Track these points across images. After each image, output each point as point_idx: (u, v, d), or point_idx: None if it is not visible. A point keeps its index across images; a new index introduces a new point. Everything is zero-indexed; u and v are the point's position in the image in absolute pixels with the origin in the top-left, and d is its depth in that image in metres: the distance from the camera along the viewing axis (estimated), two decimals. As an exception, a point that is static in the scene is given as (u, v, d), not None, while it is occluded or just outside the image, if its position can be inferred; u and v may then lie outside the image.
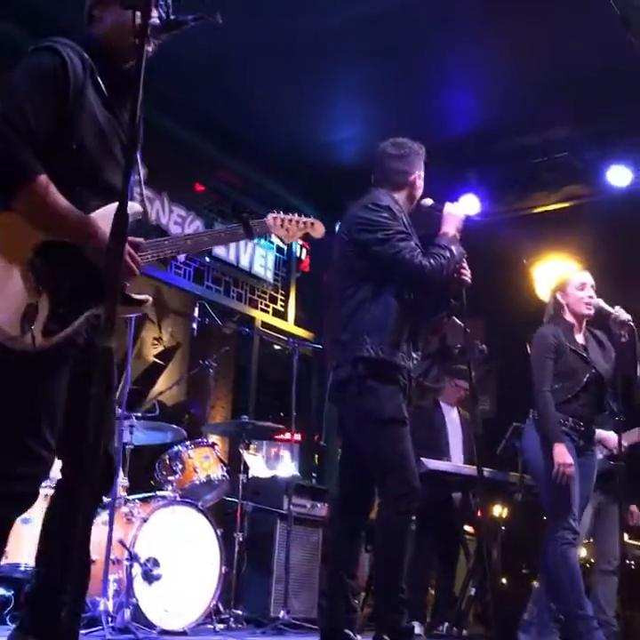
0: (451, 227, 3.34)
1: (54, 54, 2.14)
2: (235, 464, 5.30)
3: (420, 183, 3.50)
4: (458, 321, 3.87)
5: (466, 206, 6.89)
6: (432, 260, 3.16)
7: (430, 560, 5.72)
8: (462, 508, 5.68)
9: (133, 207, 2.21)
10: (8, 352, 2.02)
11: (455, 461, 5.65)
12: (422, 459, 5.03)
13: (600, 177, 6.62)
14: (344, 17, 5.29)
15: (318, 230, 2.83)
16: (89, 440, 1.57)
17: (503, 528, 5.77)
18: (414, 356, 3.30)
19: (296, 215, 2.78)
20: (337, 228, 3.50)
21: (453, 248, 3.26)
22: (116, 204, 1.61)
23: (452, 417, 5.92)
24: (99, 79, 2.20)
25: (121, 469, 4.23)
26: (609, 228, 6.99)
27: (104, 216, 2.08)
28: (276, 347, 7.94)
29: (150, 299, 2.27)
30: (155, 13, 2.10)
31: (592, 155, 6.61)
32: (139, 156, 2.19)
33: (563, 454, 4.01)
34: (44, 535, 2.34)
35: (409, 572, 5.74)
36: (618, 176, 6.53)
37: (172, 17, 2.15)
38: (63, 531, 2.25)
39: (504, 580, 6.15)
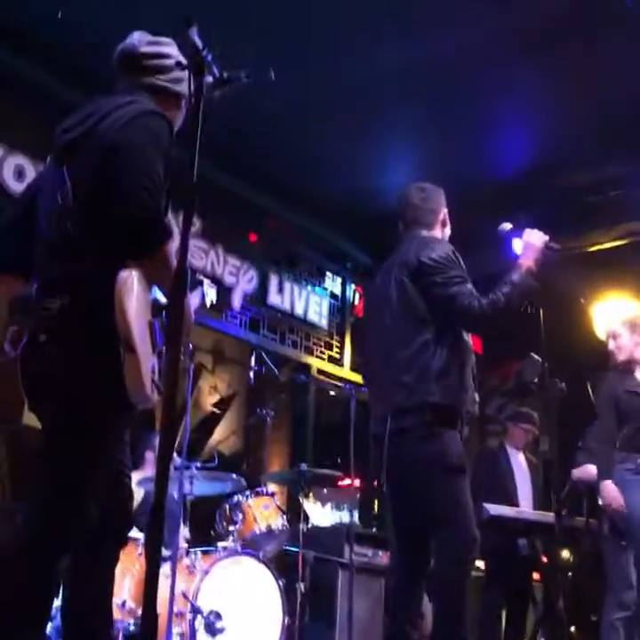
0: (527, 257, 3.21)
1: (166, 123, 2.25)
2: (294, 512, 5.27)
3: (447, 220, 3.47)
4: (536, 357, 3.81)
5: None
6: (483, 301, 3.06)
7: (498, 610, 5.58)
8: (528, 556, 5.55)
9: None
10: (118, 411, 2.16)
11: (523, 507, 5.53)
12: (485, 504, 4.95)
13: (657, 213, 6.54)
14: (395, 62, 5.34)
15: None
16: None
17: (570, 575, 5.61)
18: (477, 399, 3.25)
19: None
20: (388, 266, 3.38)
21: (517, 280, 3.12)
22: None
23: (519, 461, 5.81)
24: None
25: (181, 521, 4.23)
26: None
27: None
28: (332, 393, 7.92)
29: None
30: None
31: (648, 191, 6.54)
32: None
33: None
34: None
35: (478, 622, 5.67)
36: (675, 211, 6.43)
37: (225, 74, 2.19)
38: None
39: (573, 629, 5.96)
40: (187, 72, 2.49)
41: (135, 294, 2.05)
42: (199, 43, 1.92)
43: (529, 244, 3.26)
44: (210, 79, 2.17)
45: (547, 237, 3.28)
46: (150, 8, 4.45)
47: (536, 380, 4.07)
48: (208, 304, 2.84)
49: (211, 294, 2.83)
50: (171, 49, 2.50)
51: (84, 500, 2.16)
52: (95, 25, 4.77)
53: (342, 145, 6.23)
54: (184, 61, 2.47)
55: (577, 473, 5.03)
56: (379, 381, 3.26)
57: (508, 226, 3.44)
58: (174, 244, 2.07)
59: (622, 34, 4.99)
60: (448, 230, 3.49)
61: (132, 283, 2.05)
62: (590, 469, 4.74)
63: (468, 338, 3.28)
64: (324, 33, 5.14)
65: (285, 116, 5.84)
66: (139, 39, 2.48)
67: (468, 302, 3.06)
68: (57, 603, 3.62)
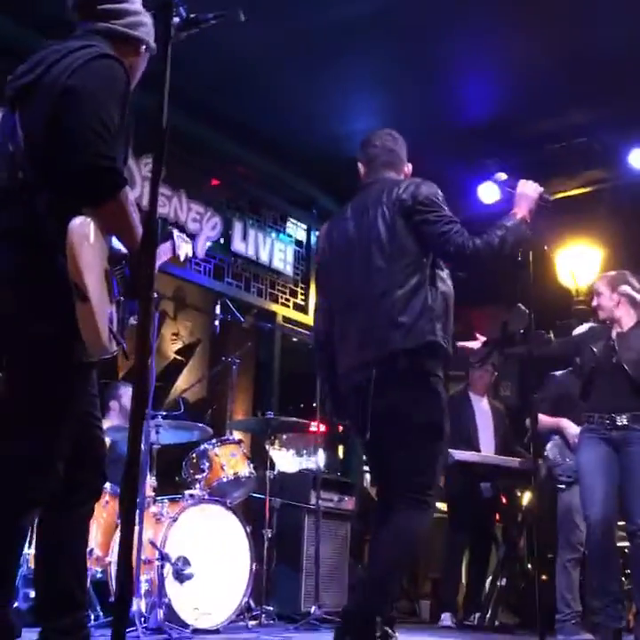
0: (523, 207, 3.16)
1: (122, 68, 2.19)
2: (259, 459, 5.30)
3: (409, 173, 3.39)
4: (523, 307, 3.80)
5: (482, 195, 6.85)
6: (477, 241, 3.00)
7: (463, 551, 5.72)
8: (491, 498, 5.67)
9: None
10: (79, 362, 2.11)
11: (485, 451, 5.64)
12: (450, 450, 5.03)
13: (622, 161, 6.55)
14: (356, 8, 5.24)
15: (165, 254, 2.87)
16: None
17: (529, 516, 5.75)
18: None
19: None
20: (362, 207, 3.23)
21: (512, 227, 3.07)
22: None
23: (482, 406, 5.90)
24: None
25: (148, 469, 4.22)
26: (631, 213, 6.91)
27: None
28: (294, 339, 7.92)
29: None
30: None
31: (613, 138, 6.53)
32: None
33: None
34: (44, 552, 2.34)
35: (443, 563, 5.80)
36: (640, 159, 6.45)
37: (192, 15, 2.11)
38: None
39: (529, 566, 6.13)
40: (148, 17, 2.43)
41: (89, 242, 1.99)
42: (167, -19, 1.84)
43: (523, 194, 3.21)
44: (177, 20, 2.09)
45: (541, 189, 3.25)
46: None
47: (522, 331, 4.08)
48: (182, 257, 2.79)
49: (185, 248, 2.76)
50: None
51: (51, 456, 2.13)
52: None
53: (307, 91, 6.13)
54: (140, 7, 2.42)
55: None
56: (362, 325, 3.09)
57: (503, 175, 3.41)
58: (134, 193, 2.02)
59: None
60: None
61: (85, 230, 1.99)
62: (544, 420, 4.85)
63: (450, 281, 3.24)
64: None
65: (249, 60, 5.71)
66: None
67: (461, 240, 2.99)
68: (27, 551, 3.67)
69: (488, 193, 6.80)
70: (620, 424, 4.16)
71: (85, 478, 2.29)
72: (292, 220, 7.71)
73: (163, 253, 2.76)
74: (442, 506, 6.27)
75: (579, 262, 7.51)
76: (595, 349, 4.30)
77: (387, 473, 3.11)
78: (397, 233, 3.09)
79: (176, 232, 2.93)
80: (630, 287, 4.35)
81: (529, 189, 3.22)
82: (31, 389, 2.11)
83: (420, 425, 2.96)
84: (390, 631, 2.87)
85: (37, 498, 2.14)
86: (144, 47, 2.43)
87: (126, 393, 5.25)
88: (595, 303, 4.46)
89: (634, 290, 4.34)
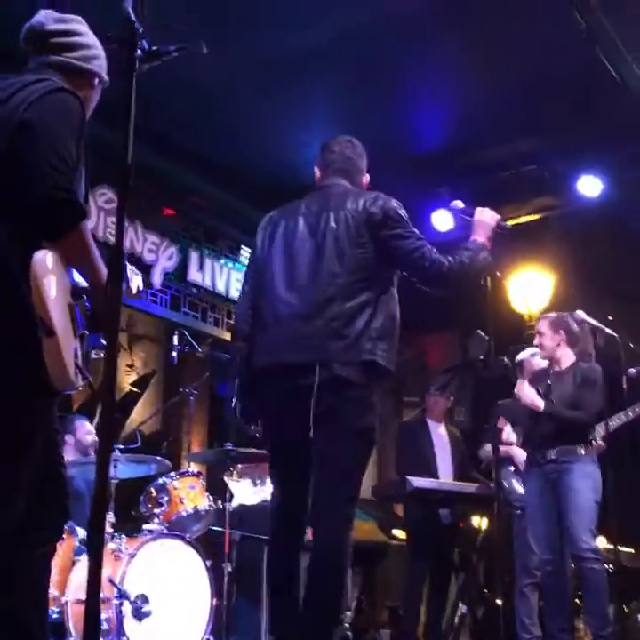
0: (479, 234, 3.17)
1: (77, 101, 2.18)
2: (218, 491, 5.23)
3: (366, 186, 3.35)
4: (482, 333, 3.83)
5: (436, 222, 6.93)
6: (450, 259, 3.00)
7: (422, 579, 5.70)
8: (450, 525, 5.68)
9: None
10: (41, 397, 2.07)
11: (443, 477, 5.65)
12: (408, 477, 5.03)
13: (570, 188, 6.69)
14: (311, 38, 5.29)
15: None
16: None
17: (486, 541, 5.78)
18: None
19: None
20: (314, 211, 3.14)
21: (478, 252, 3.08)
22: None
23: (439, 432, 5.91)
24: None
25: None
26: (579, 239, 7.06)
27: None
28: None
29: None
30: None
31: (561, 166, 6.67)
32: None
33: None
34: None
35: (404, 592, 5.77)
36: (588, 186, 6.60)
37: (154, 47, 2.10)
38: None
39: (486, 591, 6.16)
40: (101, 50, 2.43)
41: (53, 276, 1.98)
42: (132, 15, 1.83)
43: (481, 221, 3.22)
44: (139, 52, 2.09)
45: (498, 217, 3.28)
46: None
47: (482, 357, 4.12)
48: (134, 290, 2.73)
49: (136, 280, 2.71)
50: (79, 26, 2.43)
51: (12, 494, 2.07)
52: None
53: (262, 119, 6.15)
54: (93, 40, 2.40)
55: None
56: (299, 326, 2.97)
57: (459, 203, 3.41)
58: (89, 224, 2.01)
59: (535, 9, 5.03)
60: None
61: (48, 264, 1.98)
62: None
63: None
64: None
65: (205, 89, 5.72)
66: (45, 16, 2.40)
67: (436, 257, 2.98)
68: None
69: (442, 220, 6.88)
70: (549, 458, 4.46)
71: (48, 515, 2.23)
72: (247, 249, 7.70)
73: None
74: (400, 534, 6.27)
75: (530, 288, 7.64)
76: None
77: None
78: (358, 244, 3.01)
79: (128, 265, 2.88)
80: (570, 329, 4.57)
81: (486, 217, 3.23)
82: None
83: (352, 430, 2.91)
84: None
85: None
86: (97, 80, 2.44)
87: (82, 426, 5.16)
88: (536, 342, 4.64)
89: (572, 331, 4.55)
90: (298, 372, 2.93)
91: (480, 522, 5.95)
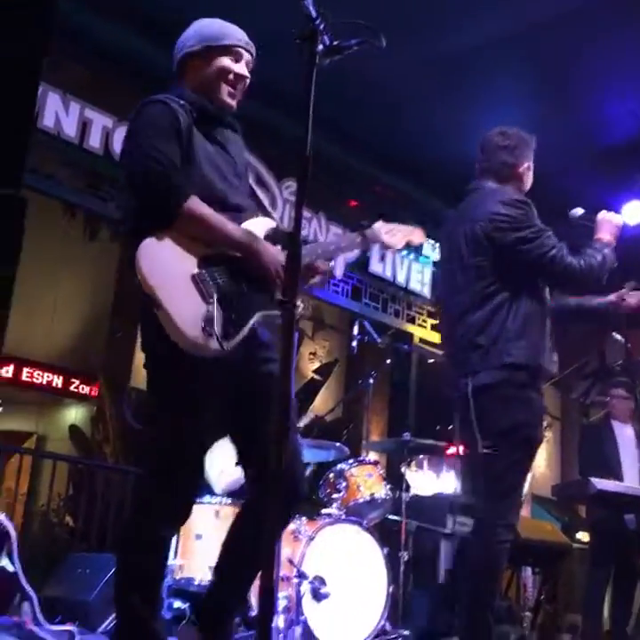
0: (605, 233, 3.13)
1: (164, 105, 2.36)
2: (395, 481, 5.27)
3: (530, 175, 3.25)
4: (618, 336, 3.65)
5: (627, 215, 6.59)
6: (582, 261, 2.98)
7: (605, 587, 5.47)
8: (636, 531, 5.41)
9: (266, 222, 2.40)
10: (181, 360, 2.18)
11: (629, 481, 5.39)
12: (591, 479, 4.84)
13: None
14: (494, 30, 5.22)
15: (418, 237, 2.80)
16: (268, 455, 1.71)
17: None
18: (555, 360, 3.16)
19: (400, 225, 2.77)
20: (457, 218, 3.22)
21: (607, 251, 3.06)
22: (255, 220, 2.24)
23: (625, 434, 5.65)
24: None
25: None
26: None
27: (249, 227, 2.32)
28: (431, 361, 7.87)
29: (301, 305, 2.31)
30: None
31: None
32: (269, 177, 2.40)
33: None
34: (224, 551, 2.40)
35: (583, 600, 5.56)
36: None
37: (335, 42, 2.15)
38: (244, 549, 2.31)
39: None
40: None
41: (156, 256, 2.17)
42: (313, 11, 1.89)
43: (606, 222, 3.17)
44: (321, 48, 2.15)
45: (622, 219, 3.18)
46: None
47: (620, 361, 3.92)
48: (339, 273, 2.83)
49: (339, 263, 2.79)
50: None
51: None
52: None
53: (444, 112, 6.14)
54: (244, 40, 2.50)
55: None
56: (453, 342, 3.11)
57: (579, 211, 3.30)
58: (276, 214, 2.11)
59: None
60: (525, 187, 3.26)
61: (151, 247, 2.17)
62: None
63: (547, 295, 3.15)
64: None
65: (387, 83, 5.77)
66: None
67: (569, 260, 2.97)
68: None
69: (634, 212, 6.53)
70: None
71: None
72: (429, 240, 7.68)
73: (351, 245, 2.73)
74: (585, 537, 6.04)
75: None
76: None
77: None
78: (481, 251, 3.03)
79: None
80: None
81: (612, 218, 3.19)
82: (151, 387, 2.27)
83: (508, 431, 2.93)
84: None
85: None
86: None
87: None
88: None
89: None
90: (453, 385, 3.07)
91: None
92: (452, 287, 3.12)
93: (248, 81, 2.53)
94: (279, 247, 2.36)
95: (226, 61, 2.45)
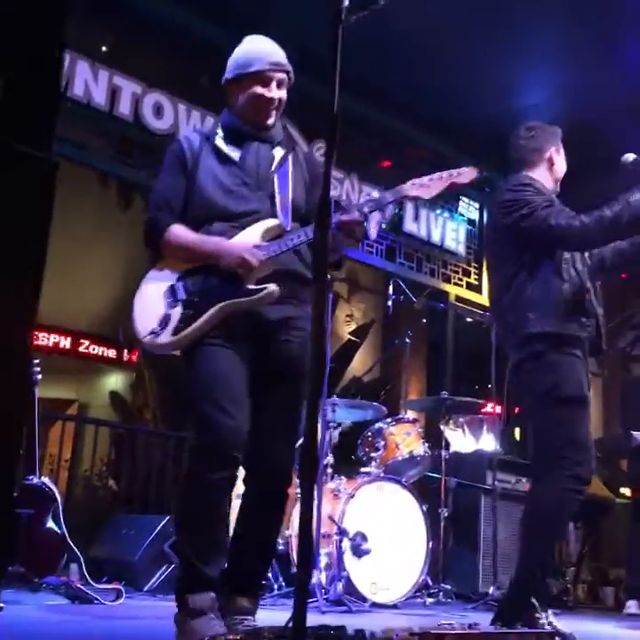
0: None
1: (175, 142, 2.71)
2: (433, 439, 5.30)
3: (559, 159, 3.30)
4: None
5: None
6: (585, 218, 2.95)
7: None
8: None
9: (266, 223, 2.52)
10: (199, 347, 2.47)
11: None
12: (633, 432, 4.83)
13: None
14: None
15: (467, 176, 2.63)
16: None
17: None
18: (588, 323, 3.12)
19: (437, 173, 2.64)
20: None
21: (632, 200, 2.93)
22: (249, 229, 2.48)
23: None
24: (217, 143, 2.64)
25: (327, 447, 4.33)
26: None
27: (243, 237, 2.52)
28: (469, 319, 7.83)
29: (273, 288, 2.45)
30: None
31: None
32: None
33: None
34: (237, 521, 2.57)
35: (628, 554, 5.56)
36: None
37: (361, -3, 2.13)
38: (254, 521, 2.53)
39: None
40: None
41: (149, 281, 2.62)
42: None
43: None
44: (347, 3, 2.12)
45: None
46: None
47: None
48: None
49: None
50: None
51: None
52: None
53: (481, 66, 6.03)
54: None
55: None
56: (495, 317, 3.39)
57: (631, 156, 3.22)
58: (184, 237, 2.53)
59: None
60: (559, 169, 3.32)
61: (149, 276, 2.64)
62: None
63: (579, 265, 3.15)
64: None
65: (421, 37, 5.68)
66: None
67: (565, 222, 2.97)
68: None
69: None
70: None
71: None
72: (464, 199, 7.61)
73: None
74: (626, 491, 6.02)
75: None
76: None
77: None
78: (497, 241, 3.23)
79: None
80: None
81: None
82: None
83: (542, 397, 3.03)
84: (538, 612, 2.83)
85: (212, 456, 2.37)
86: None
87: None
88: None
89: None
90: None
91: None
92: (490, 273, 3.40)
93: (282, 100, 2.63)
94: (252, 238, 2.52)
95: (255, 88, 2.59)
